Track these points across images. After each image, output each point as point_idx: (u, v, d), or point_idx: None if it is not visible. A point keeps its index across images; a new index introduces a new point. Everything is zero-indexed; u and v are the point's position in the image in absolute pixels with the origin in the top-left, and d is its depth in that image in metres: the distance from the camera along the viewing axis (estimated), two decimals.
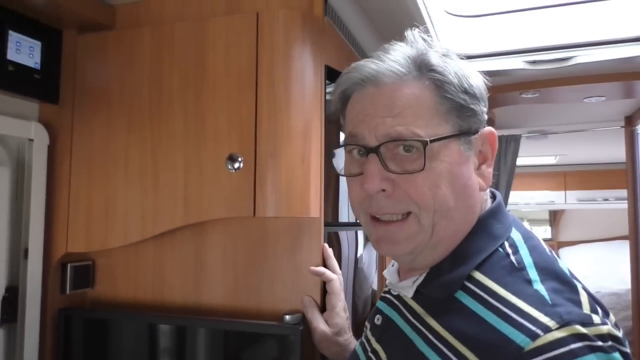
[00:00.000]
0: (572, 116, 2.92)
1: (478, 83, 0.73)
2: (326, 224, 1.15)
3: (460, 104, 0.70)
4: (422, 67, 0.71)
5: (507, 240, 0.72)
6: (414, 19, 1.28)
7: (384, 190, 0.70)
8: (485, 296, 0.65)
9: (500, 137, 3.48)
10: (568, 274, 0.66)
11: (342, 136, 0.85)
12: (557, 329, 0.57)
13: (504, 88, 2.09)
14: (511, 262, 0.68)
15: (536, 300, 0.61)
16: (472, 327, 0.63)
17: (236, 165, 1.06)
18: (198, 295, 1.19)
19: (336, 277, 1.09)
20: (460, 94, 0.70)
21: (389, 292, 0.85)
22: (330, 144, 1.18)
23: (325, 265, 1.11)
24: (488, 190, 0.78)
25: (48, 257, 1.18)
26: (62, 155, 1.21)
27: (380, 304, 0.85)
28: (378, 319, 0.83)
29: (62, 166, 1.21)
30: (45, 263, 1.17)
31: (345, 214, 1.32)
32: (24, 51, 1.13)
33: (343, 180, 1.29)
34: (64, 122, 1.22)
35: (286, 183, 1.05)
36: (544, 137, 3.49)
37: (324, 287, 1.10)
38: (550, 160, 4.96)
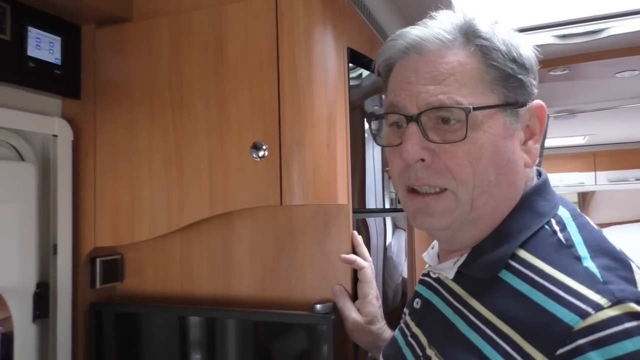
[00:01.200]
0: (602, 93, 2.82)
1: (528, 54, 0.69)
2: (354, 211, 1.12)
3: (508, 72, 0.67)
4: (468, 33, 0.68)
5: (553, 217, 0.68)
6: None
7: (423, 160, 0.68)
8: (532, 275, 0.62)
9: None
10: (620, 251, 0.62)
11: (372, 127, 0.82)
12: (609, 307, 0.54)
13: None
14: (559, 239, 0.64)
15: (586, 278, 0.57)
16: (518, 308, 0.60)
17: (261, 153, 1.04)
18: (227, 286, 1.18)
19: (367, 265, 1.07)
20: (507, 62, 0.67)
21: (428, 274, 0.82)
22: (355, 129, 1.15)
23: (355, 252, 1.09)
24: (534, 168, 0.74)
25: (77, 252, 1.19)
26: (86, 150, 1.21)
27: (419, 287, 0.82)
28: (417, 303, 0.80)
29: (86, 161, 1.21)
30: (74, 258, 1.17)
31: (373, 200, 1.29)
32: (44, 47, 1.13)
33: (369, 166, 1.27)
34: (86, 117, 1.21)
35: (312, 170, 1.03)
36: (573, 117, 3.39)
37: (355, 275, 1.08)
38: (579, 140, 4.82)
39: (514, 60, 0.67)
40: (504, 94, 0.67)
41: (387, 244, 1.40)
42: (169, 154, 1.13)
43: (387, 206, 1.38)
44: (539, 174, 0.76)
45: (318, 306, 1.05)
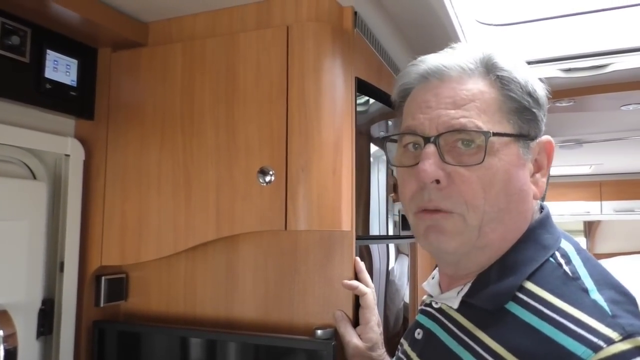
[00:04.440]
0: (608, 124, 2.84)
1: (540, 89, 0.72)
2: (357, 237, 1.14)
3: (524, 105, 0.70)
4: (488, 64, 0.71)
5: (558, 250, 0.69)
6: (445, 30, 1.26)
7: (438, 182, 0.68)
8: (540, 307, 0.62)
9: None
10: (624, 286, 0.64)
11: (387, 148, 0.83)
12: (620, 340, 0.55)
13: None
14: (565, 272, 0.65)
15: (595, 311, 0.58)
16: (528, 340, 0.60)
17: (267, 178, 1.06)
18: (229, 308, 1.19)
19: (370, 291, 1.08)
20: (524, 95, 0.70)
21: (429, 305, 0.82)
22: (361, 156, 1.17)
23: (357, 278, 1.10)
24: (538, 201, 0.76)
25: (83, 270, 1.20)
26: (97, 170, 1.23)
27: (420, 318, 0.82)
28: (419, 334, 0.80)
29: (97, 181, 1.23)
30: (80, 276, 1.19)
31: (377, 226, 1.31)
32: (61, 69, 1.16)
33: (374, 192, 1.28)
34: (99, 138, 1.24)
35: (318, 196, 1.05)
36: (579, 146, 3.40)
37: (357, 301, 1.09)
38: (585, 169, 4.83)
39: (530, 94, 0.70)
40: (519, 125, 0.70)
41: (389, 268, 1.41)
42: (178, 177, 1.15)
43: (391, 233, 1.39)
44: (542, 207, 0.78)
45: (319, 331, 1.06)
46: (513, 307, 0.65)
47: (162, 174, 1.17)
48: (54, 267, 1.15)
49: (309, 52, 1.07)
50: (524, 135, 0.70)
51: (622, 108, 2.19)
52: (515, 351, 0.61)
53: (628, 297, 0.61)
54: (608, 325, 0.56)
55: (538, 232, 0.71)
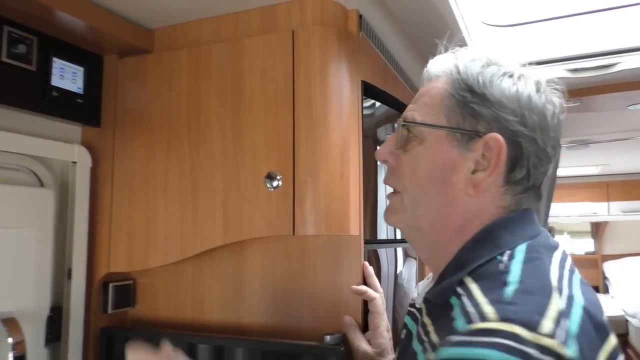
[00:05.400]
0: (615, 124, 2.82)
1: (502, 89, 0.72)
2: (366, 242, 1.13)
3: (462, 101, 0.72)
4: (452, 67, 0.76)
5: (510, 249, 0.68)
6: (451, 32, 1.26)
7: (388, 162, 0.80)
8: (465, 298, 0.63)
9: None
10: (557, 285, 0.60)
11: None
12: (494, 321, 0.54)
13: None
14: (499, 267, 0.65)
15: (497, 298, 0.58)
16: (448, 328, 0.61)
17: (275, 183, 1.06)
18: (237, 314, 1.19)
19: (378, 296, 1.07)
20: (463, 92, 0.72)
21: (413, 305, 0.86)
22: (368, 159, 1.16)
23: (366, 283, 1.09)
24: (507, 203, 0.73)
25: (91, 277, 1.20)
26: (104, 177, 1.23)
27: (406, 318, 0.86)
28: (403, 334, 0.84)
29: (104, 188, 1.23)
30: (87, 283, 1.19)
31: (384, 230, 1.30)
32: (68, 77, 1.16)
33: (381, 196, 1.28)
34: (105, 145, 1.24)
35: (325, 201, 1.04)
36: (586, 147, 3.39)
37: (365, 307, 1.08)
38: (592, 170, 4.80)
39: (470, 91, 0.72)
40: (457, 120, 0.73)
41: (397, 272, 1.40)
42: (185, 183, 1.15)
43: (399, 236, 1.39)
44: (526, 210, 0.75)
45: (327, 337, 1.05)
46: (453, 300, 0.67)
47: (169, 180, 1.17)
48: (61, 274, 1.15)
49: (315, 56, 1.06)
50: (461, 129, 0.72)
51: (629, 108, 2.18)
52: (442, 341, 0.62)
53: (545, 291, 0.59)
54: (495, 308, 0.56)
55: (496, 231, 0.71)
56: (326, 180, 1.05)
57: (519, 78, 0.73)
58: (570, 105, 2.08)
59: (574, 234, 6.07)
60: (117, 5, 1.14)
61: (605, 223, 5.82)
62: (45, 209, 1.11)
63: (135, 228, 1.19)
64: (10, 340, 0.97)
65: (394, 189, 0.80)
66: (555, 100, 0.76)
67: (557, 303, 0.57)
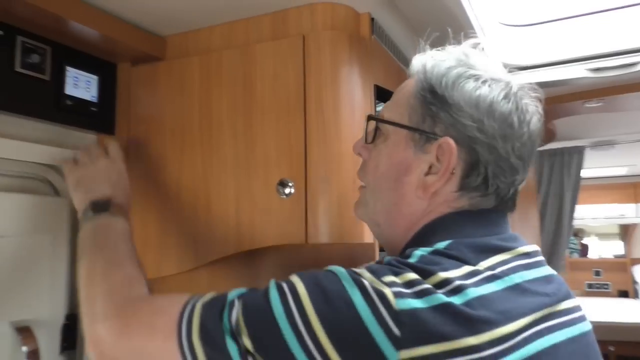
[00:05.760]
0: None
1: (464, 93, 0.70)
2: (380, 249, 1.11)
3: (423, 102, 0.73)
4: (421, 66, 0.76)
5: (424, 246, 0.68)
6: (466, 33, 1.23)
7: (361, 155, 0.84)
8: None
9: (562, 150, 3.31)
10: (429, 266, 0.61)
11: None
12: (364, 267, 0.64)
13: (565, 98, 1.98)
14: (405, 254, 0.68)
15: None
16: None
17: (287, 190, 1.04)
18: None
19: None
20: (425, 92, 0.72)
21: None
22: None
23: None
24: (461, 204, 0.72)
25: None
26: None
27: None
28: None
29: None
30: None
31: None
32: (82, 85, 1.17)
33: None
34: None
35: (338, 208, 1.02)
36: (612, 147, 3.30)
37: None
38: (620, 171, 4.68)
39: (432, 92, 0.71)
40: (416, 120, 0.73)
41: None
42: (198, 190, 1.15)
43: None
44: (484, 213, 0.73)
45: None
46: None
47: (182, 187, 1.17)
48: (76, 282, 1.15)
49: (326, 61, 1.05)
50: (417, 130, 0.73)
51: None
52: None
53: (404, 265, 0.62)
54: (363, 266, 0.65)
55: (433, 229, 0.72)
56: (339, 187, 1.03)
57: (484, 82, 0.71)
58: (593, 105, 2.03)
59: (603, 236, 5.91)
60: (129, 14, 1.14)
61: (635, 225, 5.66)
62: (60, 216, 1.11)
63: (149, 235, 1.19)
64: (24, 349, 0.98)
65: (362, 183, 0.83)
66: (529, 109, 0.73)
67: (411, 276, 0.59)
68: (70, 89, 1.14)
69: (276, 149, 1.07)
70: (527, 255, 0.70)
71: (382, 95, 1.17)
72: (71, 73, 1.14)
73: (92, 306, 0.78)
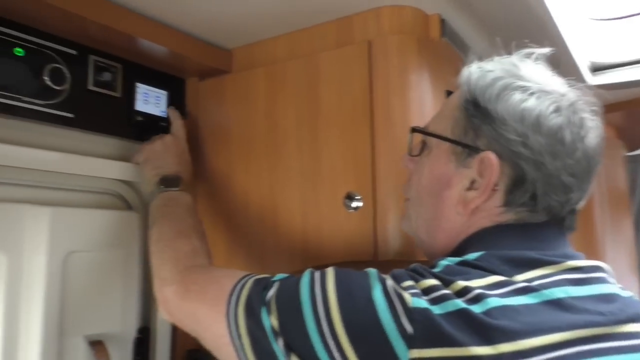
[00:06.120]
0: None
1: (508, 105, 0.66)
2: None
3: (465, 113, 0.70)
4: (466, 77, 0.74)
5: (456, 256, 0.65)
6: (547, 31, 1.13)
7: (408, 168, 0.83)
8: None
9: None
10: (450, 276, 0.58)
11: None
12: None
13: None
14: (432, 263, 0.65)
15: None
16: None
17: (354, 204, 1.00)
18: None
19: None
20: (468, 104, 0.70)
21: None
22: None
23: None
24: (507, 218, 0.68)
25: None
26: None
27: None
28: None
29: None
30: None
31: None
32: (151, 101, 1.19)
33: None
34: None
35: None
36: None
37: None
38: None
39: (475, 104, 0.69)
40: (460, 133, 0.71)
41: None
42: (264, 203, 1.13)
43: None
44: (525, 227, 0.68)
45: None
46: None
47: (249, 200, 1.16)
48: (149, 296, 1.17)
49: (393, 67, 0.99)
50: (459, 143, 0.70)
51: None
52: None
53: (424, 272, 0.60)
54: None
55: (470, 242, 0.70)
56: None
57: (531, 94, 0.66)
58: None
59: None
60: (196, 29, 1.15)
61: None
62: (132, 231, 1.13)
63: (218, 249, 1.19)
64: None
65: (407, 197, 0.83)
66: (586, 123, 0.67)
67: (430, 283, 0.57)
68: (140, 105, 1.16)
69: (343, 160, 1.03)
70: (578, 270, 0.63)
71: None
72: (141, 89, 1.17)
73: (161, 270, 0.89)
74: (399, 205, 0.96)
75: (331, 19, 1.09)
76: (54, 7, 0.90)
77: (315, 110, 1.07)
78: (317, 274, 0.63)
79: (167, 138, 1.13)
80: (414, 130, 0.80)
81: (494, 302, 0.54)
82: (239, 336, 0.66)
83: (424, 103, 1.01)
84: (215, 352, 0.75)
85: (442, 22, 1.07)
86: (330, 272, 0.63)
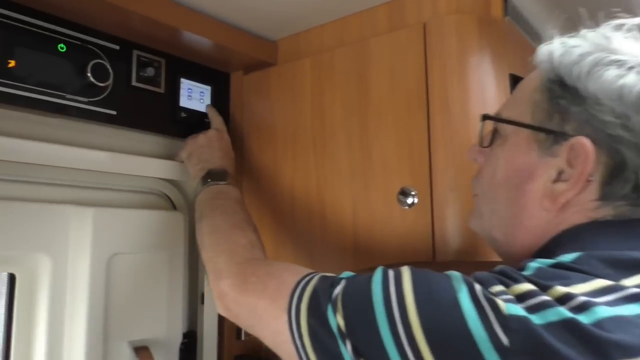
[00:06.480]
0: None
1: (602, 82, 0.56)
2: None
3: (548, 95, 0.62)
4: (549, 54, 0.64)
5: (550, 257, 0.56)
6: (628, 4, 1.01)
7: (477, 160, 0.75)
8: None
9: None
10: (545, 280, 0.50)
11: None
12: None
13: None
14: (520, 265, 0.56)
15: None
16: None
17: (409, 200, 0.92)
18: None
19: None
20: (552, 84, 0.61)
21: None
22: None
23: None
24: (603, 214, 0.59)
25: None
26: None
27: None
28: None
29: None
30: None
31: None
32: (195, 97, 1.15)
33: None
34: (235, 163, 1.21)
35: None
36: None
37: None
38: None
39: (561, 83, 0.60)
40: (542, 118, 0.62)
41: None
42: (311, 201, 1.06)
43: None
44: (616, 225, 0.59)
45: None
46: None
47: (296, 197, 1.10)
48: (194, 299, 1.13)
49: (451, 50, 0.91)
50: (542, 129, 0.61)
51: None
52: None
53: (517, 276, 0.52)
54: None
55: (559, 241, 0.60)
56: (470, 195, 0.88)
57: (630, 69, 0.56)
58: None
59: None
60: (241, 20, 1.10)
61: None
62: (177, 232, 1.10)
63: (264, 245, 1.13)
64: None
65: (475, 192, 0.74)
66: None
67: (524, 288, 0.49)
68: (184, 101, 1.13)
69: (396, 153, 0.95)
70: None
71: None
72: (185, 85, 1.13)
73: (216, 263, 0.83)
74: (458, 201, 0.88)
75: (381, 2, 1.01)
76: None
77: (365, 100, 1.00)
78: (391, 272, 0.57)
79: (211, 132, 1.10)
80: (486, 117, 0.71)
81: (603, 311, 0.46)
82: (300, 335, 0.61)
83: (485, 89, 0.92)
84: (275, 349, 0.69)
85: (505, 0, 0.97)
86: (406, 271, 0.56)
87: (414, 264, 0.99)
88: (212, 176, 1.02)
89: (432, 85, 0.92)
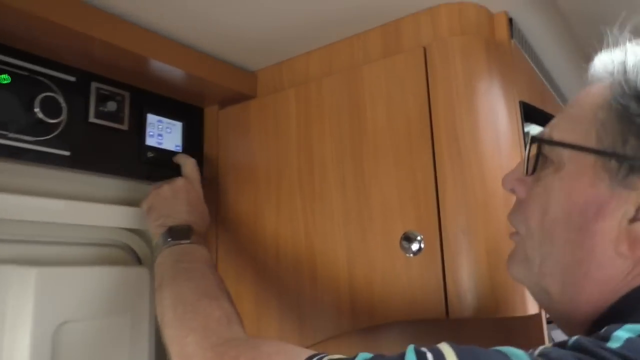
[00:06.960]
0: None
1: None
2: (548, 321, 0.81)
3: (623, 114, 0.50)
4: (617, 65, 0.53)
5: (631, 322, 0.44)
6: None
7: (515, 192, 0.61)
8: None
9: None
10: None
11: None
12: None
13: None
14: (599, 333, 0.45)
15: None
16: None
17: (414, 247, 0.79)
18: None
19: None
20: (627, 99, 0.50)
21: None
22: None
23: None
24: None
25: None
26: (209, 240, 1.05)
27: None
28: None
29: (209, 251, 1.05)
30: None
31: None
32: (164, 134, 1.02)
33: None
34: (208, 206, 1.06)
35: (489, 268, 0.75)
36: None
37: None
38: None
39: (638, 99, 0.49)
40: (613, 141, 0.50)
41: None
42: (299, 249, 0.93)
43: None
44: None
45: None
46: None
47: (281, 248, 0.95)
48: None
49: (457, 75, 0.80)
50: (614, 155, 0.50)
51: None
52: None
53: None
54: None
55: (628, 305, 0.49)
56: (487, 240, 0.76)
57: None
58: None
59: None
60: (216, 49, 0.99)
61: None
62: (142, 291, 0.94)
63: (243, 306, 0.98)
64: None
65: (514, 228, 0.61)
66: None
67: None
68: (151, 139, 0.99)
69: (397, 193, 0.82)
70: None
71: (531, 115, 0.90)
72: (152, 120, 1.00)
73: (184, 345, 0.67)
74: (473, 246, 0.75)
75: (375, 24, 0.91)
76: (52, 23, 0.74)
77: (359, 133, 0.88)
78: (428, 353, 0.47)
79: (178, 182, 0.94)
80: (536, 140, 0.58)
81: None
82: None
83: (496, 116, 0.81)
84: None
85: (510, 21, 0.88)
86: (447, 349, 0.46)
87: (424, 323, 0.86)
88: (172, 234, 0.86)
89: (436, 115, 0.80)
